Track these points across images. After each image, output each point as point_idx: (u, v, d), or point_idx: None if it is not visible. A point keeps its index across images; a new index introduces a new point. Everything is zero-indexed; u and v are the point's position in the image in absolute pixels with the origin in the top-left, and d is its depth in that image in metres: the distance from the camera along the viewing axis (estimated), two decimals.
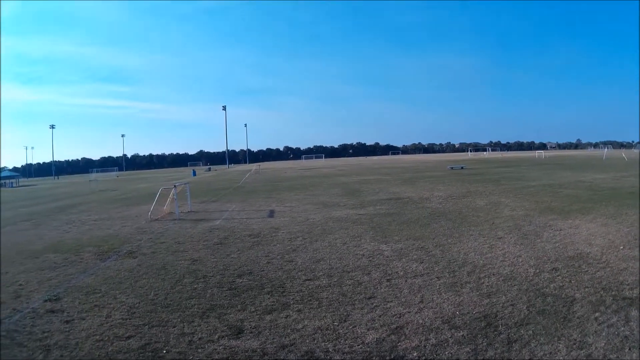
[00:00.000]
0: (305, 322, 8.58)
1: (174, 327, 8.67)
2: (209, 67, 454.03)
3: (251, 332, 8.24)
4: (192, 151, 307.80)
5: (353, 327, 8.24)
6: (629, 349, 6.87)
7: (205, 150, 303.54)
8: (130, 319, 9.19)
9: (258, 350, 7.49)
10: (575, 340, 7.18)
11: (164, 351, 7.62)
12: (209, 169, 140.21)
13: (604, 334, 7.40)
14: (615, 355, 6.69)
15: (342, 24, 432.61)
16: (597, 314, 8.22)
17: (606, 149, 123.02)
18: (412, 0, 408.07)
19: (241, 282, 11.55)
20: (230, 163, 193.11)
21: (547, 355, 6.72)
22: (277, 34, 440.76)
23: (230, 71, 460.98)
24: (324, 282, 11.17)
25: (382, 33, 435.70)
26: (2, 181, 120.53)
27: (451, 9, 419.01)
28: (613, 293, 9.33)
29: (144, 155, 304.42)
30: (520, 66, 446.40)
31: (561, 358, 6.65)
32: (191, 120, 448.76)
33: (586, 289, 9.61)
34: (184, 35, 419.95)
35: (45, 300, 10.70)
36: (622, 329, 7.59)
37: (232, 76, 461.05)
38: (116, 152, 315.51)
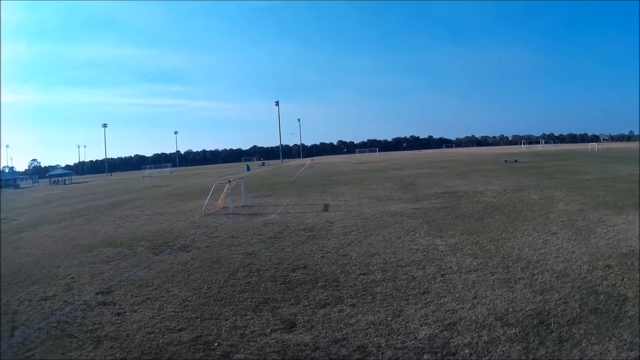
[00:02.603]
0: (359, 317, 8.62)
1: (226, 320, 8.81)
2: (260, 64, 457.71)
3: (304, 326, 8.34)
4: (245, 146, 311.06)
5: (406, 322, 8.26)
6: None
7: (259, 146, 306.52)
8: (182, 312, 9.40)
9: (310, 344, 7.57)
10: (626, 340, 7.00)
11: (216, 344, 7.75)
12: (263, 164, 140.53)
13: None
14: None
15: (391, 16, 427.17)
16: None
17: None
18: None
19: (295, 276, 11.67)
20: (284, 158, 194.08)
21: (597, 356, 6.60)
22: (324, 27, 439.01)
23: (282, 67, 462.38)
24: (378, 276, 11.19)
25: (432, 24, 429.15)
26: (55, 179, 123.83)
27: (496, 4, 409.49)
28: None
29: (197, 152, 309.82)
30: (572, 56, 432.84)
31: (611, 358, 6.53)
32: (244, 117, 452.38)
33: (638, 288, 9.34)
34: (233, 34, 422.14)
35: (97, 293, 11.07)
36: None
37: (284, 72, 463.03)
38: (169, 149, 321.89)
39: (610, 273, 10.46)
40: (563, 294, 9.27)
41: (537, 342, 7.13)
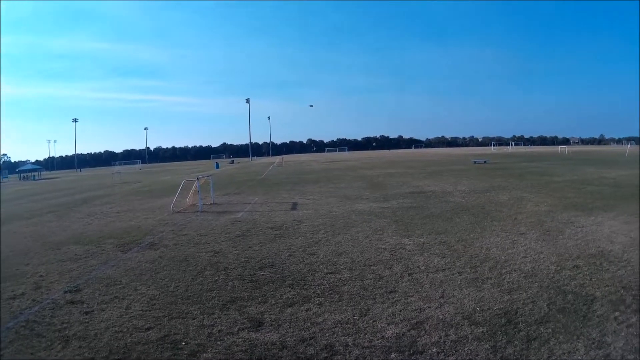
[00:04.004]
0: (326, 316, 8.65)
1: (194, 319, 8.79)
2: (232, 60, 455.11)
3: (271, 325, 8.33)
4: (215, 144, 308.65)
5: (373, 321, 8.30)
6: None
7: (229, 143, 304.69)
8: (150, 311, 9.33)
9: (277, 343, 7.56)
10: (594, 339, 7.13)
11: (183, 343, 7.71)
12: (233, 162, 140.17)
13: (623, 333, 7.35)
14: (633, 356, 6.65)
15: (365, 15, 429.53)
16: (616, 313, 8.16)
17: (629, 145, 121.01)
18: None
19: (262, 274, 11.66)
20: (253, 156, 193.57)
21: (566, 354, 6.70)
22: (300, 26, 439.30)
23: (253, 64, 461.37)
24: (346, 275, 11.25)
25: (405, 23, 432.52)
26: (25, 174, 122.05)
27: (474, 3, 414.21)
28: (633, 292, 9.25)
29: (167, 148, 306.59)
30: (544, 59, 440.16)
31: (579, 357, 6.63)
32: (215, 113, 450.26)
33: (607, 288, 9.54)
34: (205, 29, 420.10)
35: (66, 292, 10.89)
36: None
37: (256, 69, 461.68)
38: (139, 145, 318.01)
39: (579, 273, 10.65)
40: (531, 293, 9.41)
41: (504, 341, 7.21)
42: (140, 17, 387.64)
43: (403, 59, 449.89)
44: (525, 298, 9.14)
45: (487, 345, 7.07)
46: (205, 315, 8.93)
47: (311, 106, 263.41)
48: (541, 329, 7.61)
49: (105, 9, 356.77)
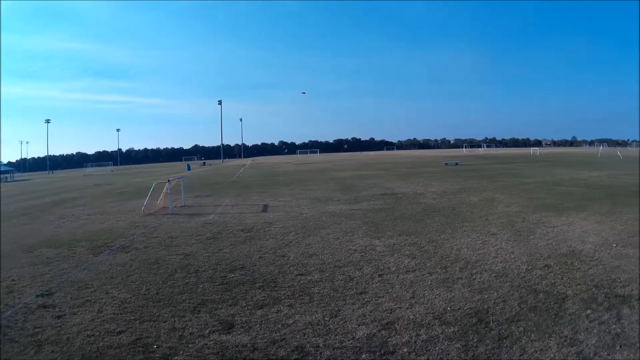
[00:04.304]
0: (296, 317, 8.59)
1: (165, 322, 8.66)
2: (204, 62, 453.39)
3: (242, 327, 8.25)
4: (187, 145, 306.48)
5: (344, 322, 8.26)
6: (620, 347, 6.88)
7: (201, 145, 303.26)
8: (121, 314, 9.18)
9: (248, 345, 7.49)
10: (567, 337, 7.18)
11: (155, 346, 7.60)
12: (204, 164, 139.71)
13: (595, 331, 7.41)
14: (606, 353, 6.69)
15: (338, 17, 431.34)
16: (588, 311, 8.23)
17: (601, 147, 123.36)
18: None
19: (233, 277, 11.56)
20: (225, 157, 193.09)
21: (538, 352, 6.72)
22: (273, 28, 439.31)
23: (226, 65, 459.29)
24: (316, 277, 11.20)
25: (377, 26, 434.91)
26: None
27: (448, 4, 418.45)
28: (605, 290, 9.36)
29: (139, 150, 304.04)
30: (516, 62, 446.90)
31: (552, 355, 6.64)
32: (186, 115, 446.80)
33: (578, 286, 9.64)
34: (178, 30, 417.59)
35: (38, 296, 10.66)
36: (614, 326, 7.61)
37: (228, 70, 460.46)
38: (111, 147, 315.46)
39: (550, 272, 10.75)
40: (502, 293, 9.46)
41: (476, 340, 7.20)
42: (113, 17, 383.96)
43: (376, 62, 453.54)
44: (496, 297, 9.17)
45: (459, 345, 7.05)
46: (176, 318, 8.81)
47: (304, 93, 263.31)
48: (512, 327, 7.63)
49: (78, 9, 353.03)
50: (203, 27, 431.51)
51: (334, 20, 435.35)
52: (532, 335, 7.29)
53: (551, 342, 7.02)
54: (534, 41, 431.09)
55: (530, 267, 11.23)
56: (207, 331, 8.12)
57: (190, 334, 8.05)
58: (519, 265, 11.44)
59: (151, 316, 8.99)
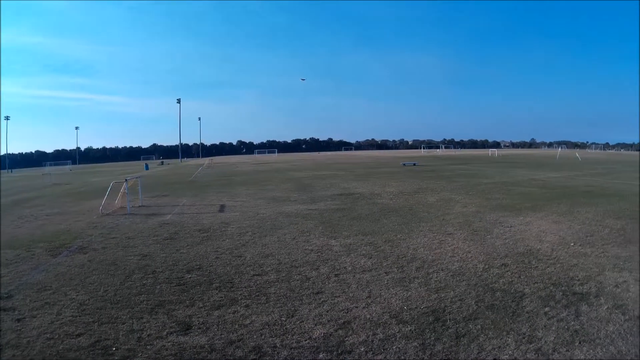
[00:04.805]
0: (253, 318, 8.59)
1: (124, 323, 8.60)
2: (164, 59, 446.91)
3: (199, 328, 8.24)
4: (145, 144, 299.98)
5: (300, 322, 8.27)
6: (580, 343, 7.04)
7: (159, 144, 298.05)
8: (80, 316, 9.08)
9: (206, 346, 7.50)
10: (525, 334, 7.31)
11: (114, 348, 7.57)
12: (162, 163, 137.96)
13: (553, 328, 7.58)
14: (565, 349, 6.83)
15: (297, 15, 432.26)
16: (546, 309, 8.42)
17: (560, 149, 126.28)
18: None
19: (190, 277, 11.50)
20: (183, 157, 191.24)
21: (496, 350, 6.82)
22: (233, 26, 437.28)
23: (185, 63, 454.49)
24: (272, 277, 11.18)
25: (337, 27, 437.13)
26: None
27: (409, 5, 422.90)
28: (563, 288, 9.58)
29: (98, 149, 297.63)
30: (475, 65, 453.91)
31: (510, 352, 6.75)
32: (145, 113, 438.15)
33: (536, 285, 9.84)
34: (139, 26, 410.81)
35: None
36: (572, 323, 7.80)
37: (187, 68, 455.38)
38: (70, 145, 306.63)
39: (507, 271, 10.94)
40: (459, 291, 9.58)
41: (433, 338, 7.27)
42: (75, 12, 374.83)
43: (334, 62, 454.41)
44: (453, 296, 9.27)
45: (416, 343, 7.11)
46: (134, 320, 8.74)
47: (303, 80, 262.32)
48: (470, 325, 7.73)
49: (40, 2, 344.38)
50: (164, 23, 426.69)
51: (293, 20, 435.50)
52: (490, 333, 7.39)
53: (509, 339, 7.14)
54: (493, 44, 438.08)
55: (487, 266, 11.40)
56: (165, 332, 8.09)
57: (148, 335, 8.02)
58: (476, 264, 11.59)
59: (110, 318, 8.92)
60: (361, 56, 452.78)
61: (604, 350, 6.88)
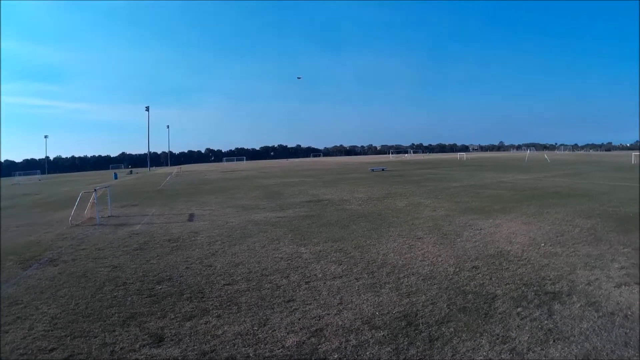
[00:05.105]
0: (225, 328, 8.52)
1: (96, 337, 8.48)
2: (132, 66, 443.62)
3: (172, 340, 8.16)
4: (114, 153, 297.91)
5: (273, 331, 8.24)
6: (554, 341, 7.15)
7: (127, 153, 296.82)
8: (52, 331, 8.95)
9: (179, 358, 7.44)
10: (498, 335, 7.40)
11: None
12: (131, 172, 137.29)
13: (527, 327, 7.68)
14: (539, 348, 6.94)
15: (265, 21, 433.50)
16: (519, 309, 8.54)
17: (529, 151, 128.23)
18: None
19: (161, 288, 11.38)
20: (152, 165, 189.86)
21: (470, 352, 6.87)
22: (201, 32, 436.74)
23: (154, 70, 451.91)
24: (243, 286, 11.11)
25: (307, 32, 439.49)
26: None
27: (378, 11, 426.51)
28: (535, 288, 9.71)
29: (67, 158, 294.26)
30: (443, 69, 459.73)
31: (484, 353, 6.82)
32: (114, 121, 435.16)
33: (507, 286, 9.95)
34: (107, 32, 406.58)
35: None
36: (546, 322, 7.91)
37: (156, 75, 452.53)
38: (39, 154, 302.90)
39: (478, 273, 11.04)
40: (430, 295, 9.62)
41: (406, 342, 7.29)
42: (46, 17, 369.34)
43: (302, 68, 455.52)
44: (425, 300, 9.32)
45: (389, 348, 7.12)
46: (106, 333, 8.62)
47: (299, 78, 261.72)
48: (443, 328, 7.77)
49: (10, 7, 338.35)
50: (132, 29, 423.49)
51: (259, 25, 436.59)
52: (463, 335, 7.44)
53: (483, 340, 7.20)
54: (459, 47, 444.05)
55: (458, 269, 11.48)
56: (138, 345, 8.00)
57: (121, 348, 7.92)
58: (447, 268, 11.67)
59: (82, 332, 8.79)
60: (327, 61, 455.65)
61: (579, 347, 6.99)
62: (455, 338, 7.33)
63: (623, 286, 9.88)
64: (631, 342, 7.18)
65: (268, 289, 10.78)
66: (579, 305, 8.77)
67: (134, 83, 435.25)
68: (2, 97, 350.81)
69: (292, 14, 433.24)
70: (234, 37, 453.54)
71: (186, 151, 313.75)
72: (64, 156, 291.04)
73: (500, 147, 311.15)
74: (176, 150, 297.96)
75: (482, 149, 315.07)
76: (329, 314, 8.85)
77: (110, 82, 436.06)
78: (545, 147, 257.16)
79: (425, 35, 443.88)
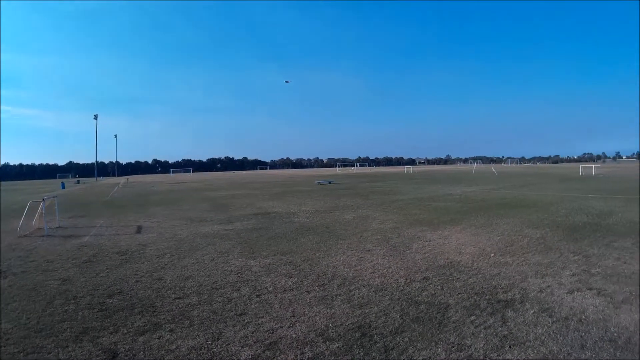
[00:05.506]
0: (179, 342, 8.41)
1: (49, 353, 8.27)
2: (81, 73, 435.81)
3: (126, 355, 8.01)
4: (62, 162, 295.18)
5: (227, 345, 8.17)
6: (510, 347, 7.34)
7: (75, 162, 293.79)
8: (4, 347, 8.68)
9: None
10: (454, 343, 7.51)
11: None
12: (78, 182, 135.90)
13: (482, 335, 7.83)
14: (496, 354, 7.10)
15: (215, 34, 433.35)
16: (472, 317, 8.70)
17: (475, 164, 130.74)
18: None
19: (112, 302, 11.16)
20: (99, 175, 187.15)
21: None
22: (151, 41, 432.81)
23: (103, 78, 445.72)
24: (194, 300, 11.00)
25: (255, 46, 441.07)
26: None
27: (326, 27, 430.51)
28: (487, 297, 9.92)
29: (14, 165, 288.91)
30: (390, 84, 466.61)
31: None
32: (62, 128, 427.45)
33: (459, 295, 10.12)
34: (58, 38, 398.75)
35: None
36: (500, 329, 8.11)
37: (105, 83, 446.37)
38: None
39: (429, 284, 11.19)
40: (382, 306, 9.70)
41: (362, 353, 7.32)
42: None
43: (249, 81, 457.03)
44: (377, 311, 9.38)
45: (345, 359, 7.12)
46: (59, 349, 8.40)
47: (287, 82, 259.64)
48: (397, 338, 7.84)
49: None
50: (84, 36, 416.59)
51: (210, 37, 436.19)
52: (418, 344, 7.52)
53: (438, 349, 7.30)
54: (407, 62, 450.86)
55: (409, 280, 11.60)
56: None
57: None
58: (397, 279, 11.78)
59: (34, 348, 8.55)
60: (274, 75, 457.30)
61: (535, 351, 7.19)
62: (411, 347, 7.41)
63: (576, 292, 10.24)
64: (587, 345, 7.41)
65: (219, 302, 10.68)
66: (532, 311, 9.00)
67: (84, 91, 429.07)
68: None
69: (241, 28, 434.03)
70: (184, 49, 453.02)
71: (133, 161, 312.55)
72: (12, 163, 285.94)
73: (447, 161, 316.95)
74: (123, 161, 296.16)
75: (429, 162, 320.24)
76: (282, 327, 8.81)
77: (59, 88, 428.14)
78: (492, 160, 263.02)
79: (372, 50, 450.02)
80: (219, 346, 8.13)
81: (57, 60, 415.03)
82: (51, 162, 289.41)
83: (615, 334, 7.84)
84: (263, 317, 9.49)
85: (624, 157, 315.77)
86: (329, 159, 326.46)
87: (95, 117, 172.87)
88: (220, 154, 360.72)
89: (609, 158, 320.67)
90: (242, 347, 8.03)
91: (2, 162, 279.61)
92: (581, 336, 7.77)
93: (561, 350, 7.24)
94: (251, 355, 7.64)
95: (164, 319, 9.77)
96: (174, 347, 8.24)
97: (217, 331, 8.86)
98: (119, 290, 12.15)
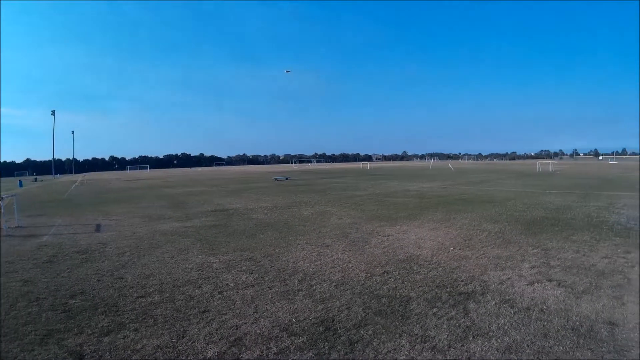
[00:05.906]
0: (144, 342, 8.35)
1: (16, 358, 8.12)
2: (39, 67, 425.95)
3: (92, 357, 7.90)
4: (19, 159, 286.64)
5: (192, 342, 8.16)
6: (473, 337, 7.52)
7: (32, 159, 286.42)
8: None
9: None
10: (417, 335, 7.65)
11: None
12: (36, 180, 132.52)
13: (444, 326, 8.00)
14: (460, 344, 7.27)
15: (177, 29, 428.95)
16: (435, 310, 8.87)
17: (432, 160, 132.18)
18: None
19: (74, 303, 10.97)
20: (56, 173, 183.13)
21: (392, 352, 7.07)
22: (109, 33, 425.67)
23: (61, 72, 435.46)
24: (157, 298, 10.92)
25: (213, 42, 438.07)
26: None
27: (288, 26, 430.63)
28: (448, 290, 10.14)
29: None
30: (347, 80, 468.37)
31: (406, 353, 7.03)
32: (18, 124, 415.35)
33: (420, 288, 10.29)
34: (13, 29, 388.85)
35: None
36: (463, 320, 8.30)
37: (63, 77, 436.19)
38: None
39: (390, 278, 11.34)
40: (344, 300, 9.81)
41: (327, 347, 7.40)
42: None
43: (209, 77, 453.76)
44: (340, 305, 9.49)
45: (311, 354, 7.21)
46: (25, 353, 8.24)
47: (288, 71, 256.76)
48: (361, 332, 7.94)
49: None
50: (42, 27, 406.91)
51: (169, 32, 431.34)
52: (383, 337, 7.63)
53: (403, 341, 7.42)
54: (363, 60, 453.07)
55: (369, 275, 11.74)
56: None
57: None
58: (358, 274, 11.91)
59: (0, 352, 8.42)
60: (232, 71, 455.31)
61: (499, 341, 7.39)
62: (375, 340, 7.51)
63: (536, 283, 10.55)
64: (550, 334, 7.65)
65: (182, 300, 10.64)
66: (493, 303, 9.24)
67: (42, 86, 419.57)
68: None
69: (206, 24, 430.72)
70: (143, 41, 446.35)
71: (90, 158, 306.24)
72: None
73: (403, 157, 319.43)
74: (80, 158, 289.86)
75: (386, 158, 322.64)
76: (245, 323, 8.84)
77: (16, 83, 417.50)
78: (449, 157, 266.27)
79: (331, 49, 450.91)
80: (184, 344, 8.12)
81: (13, 53, 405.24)
82: (8, 160, 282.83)
83: (577, 323, 8.11)
84: (226, 313, 9.49)
85: (581, 155, 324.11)
86: (285, 155, 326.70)
87: (53, 112, 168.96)
88: (176, 150, 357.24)
89: (566, 155, 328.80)
90: (208, 344, 8.03)
91: None
92: (543, 325, 8.01)
93: (524, 339, 7.44)
94: (217, 352, 7.65)
95: (127, 318, 9.68)
96: (139, 346, 8.19)
97: (182, 329, 8.83)
98: (81, 291, 11.98)
